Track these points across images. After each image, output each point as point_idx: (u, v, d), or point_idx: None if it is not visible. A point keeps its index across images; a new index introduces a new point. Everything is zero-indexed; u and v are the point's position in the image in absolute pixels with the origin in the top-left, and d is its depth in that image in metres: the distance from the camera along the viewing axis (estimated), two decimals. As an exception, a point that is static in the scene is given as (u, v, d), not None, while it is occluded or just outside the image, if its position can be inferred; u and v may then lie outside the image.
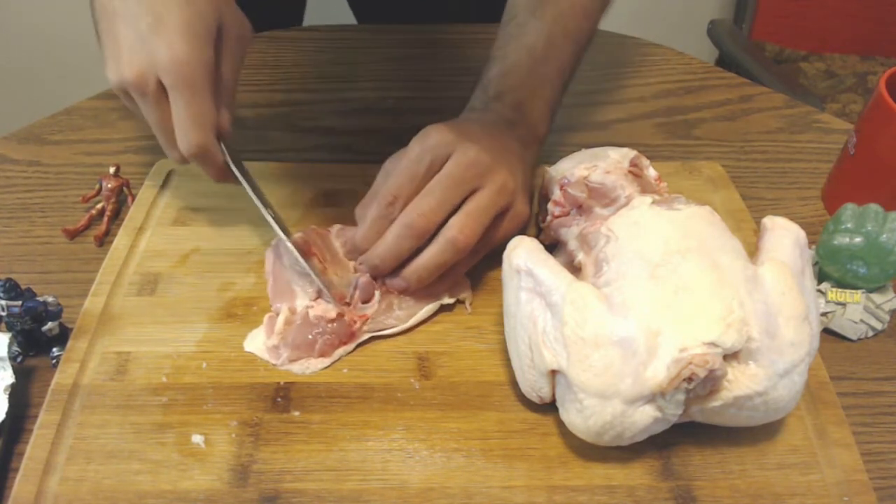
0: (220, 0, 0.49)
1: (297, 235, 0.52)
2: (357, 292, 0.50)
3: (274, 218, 0.51)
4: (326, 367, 0.48)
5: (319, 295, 0.50)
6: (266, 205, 0.52)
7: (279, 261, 0.52)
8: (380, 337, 0.50)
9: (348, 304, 0.50)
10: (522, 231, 0.52)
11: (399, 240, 0.48)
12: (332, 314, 0.48)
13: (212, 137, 0.49)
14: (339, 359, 0.48)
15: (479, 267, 0.55)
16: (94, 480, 0.41)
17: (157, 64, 0.46)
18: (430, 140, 0.48)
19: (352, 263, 0.52)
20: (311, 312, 0.48)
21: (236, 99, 0.53)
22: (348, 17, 0.98)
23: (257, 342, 0.49)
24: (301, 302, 0.49)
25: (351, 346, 0.49)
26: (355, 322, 0.49)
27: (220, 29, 0.49)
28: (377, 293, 0.50)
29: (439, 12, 0.92)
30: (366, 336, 0.49)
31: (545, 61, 0.57)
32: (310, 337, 0.48)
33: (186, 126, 0.48)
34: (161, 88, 0.47)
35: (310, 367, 0.48)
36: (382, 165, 0.52)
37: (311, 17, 1.02)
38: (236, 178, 0.52)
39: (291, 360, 0.48)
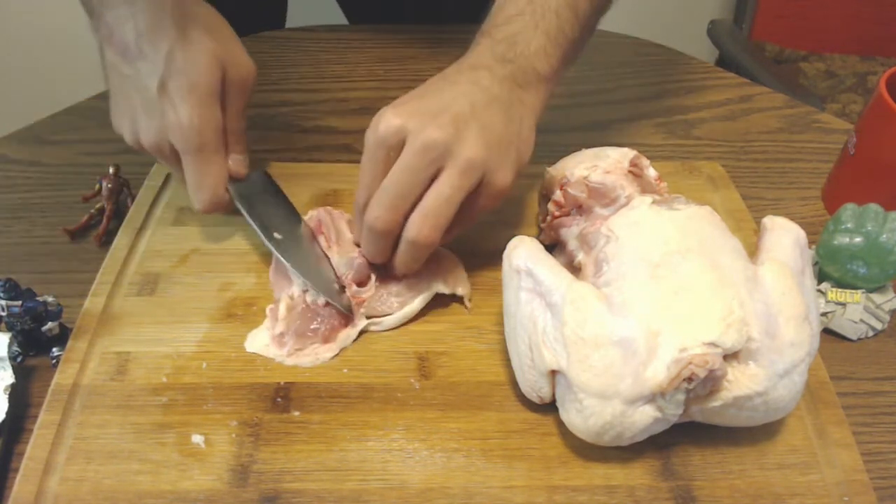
0: (221, 50, 0.51)
1: (310, 214, 0.54)
2: (351, 273, 0.50)
3: (281, 240, 0.52)
4: (335, 356, 0.48)
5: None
6: (273, 226, 0.53)
7: None
8: (380, 336, 0.50)
9: (343, 289, 0.50)
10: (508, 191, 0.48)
11: (369, 244, 0.48)
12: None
13: (220, 194, 0.52)
14: (343, 348, 0.49)
15: (479, 267, 0.55)
16: (94, 480, 0.41)
17: (168, 130, 0.49)
18: (380, 130, 0.45)
19: (355, 247, 0.52)
20: (308, 297, 0.49)
21: (246, 142, 0.55)
22: (331, 18, 0.97)
23: (259, 341, 0.49)
24: (297, 289, 0.50)
25: (354, 332, 0.49)
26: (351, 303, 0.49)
27: (223, 80, 0.51)
28: (372, 276, 0.51)
29: (433, 13, 0.92)
30: (364, 322, 0.49)
31: None
32: (313, 324, 0.49)
33: (194, 189, 0.52)
34: (175, 151, 0.50)
35: (319, 356, 0.48)
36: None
37: (294, 18, 1.01)
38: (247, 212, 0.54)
39: (297, 349, 0.48)
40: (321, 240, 0.53)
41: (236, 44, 0.53)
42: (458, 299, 0.52)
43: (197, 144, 0.50)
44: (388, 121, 0.45)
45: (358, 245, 0.52)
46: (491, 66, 0.48)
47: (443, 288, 0.51)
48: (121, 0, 0.49)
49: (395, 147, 0.45)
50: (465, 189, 0.45)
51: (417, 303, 0.50)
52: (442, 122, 0.44)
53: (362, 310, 0.50)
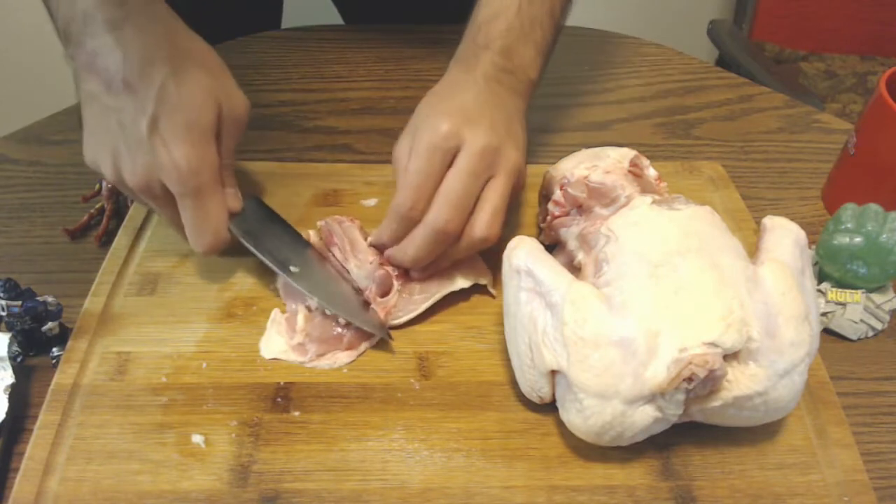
0: (217, 87, 0.49)
1: (320, 225, 0.54)
2: (374, 286, 0.50)
3: (298, 273, 0.50)
4: (352, 361, 0.48)
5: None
6: (284, 258, 0.51)
7: None
8: (380, 337, 0.50)
9: (367, 304, 0.50)
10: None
11: (431, 245, 0.48)
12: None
13: (223, 235, 0.50)
14: (364, 351, 0.49)
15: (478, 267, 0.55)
16: (94, 480, 0.41)
17: (160, 170, 0.46)
18: (440, 133, 0.47)
19: (372, 251, 0.52)
20: (328, 310, 0.49)
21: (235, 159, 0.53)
22: (327, 19, 0.97)
23: (277, 345, 0.49)
24: (314, 302, 0.50)
25: (375, 339, 0.49)
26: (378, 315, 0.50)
27: (218, 118, 0.49)
28: (395, 284, 0.50)
29: (429, 13, 0.92)
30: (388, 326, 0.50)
31: (535, 1, 0.55)
32: (337, 331, 0.49)
33: (196, 232, 0.49)
34: (167, 192, 0.47)
35: (338, 360, 0.48)
36: (394, 154, 0.51)
37: (290, 19, 1.01)
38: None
39: (319, 356, 0.48)
40: (335, 251, 0.52)
41: (230, 80, 0.51)
42: (458, 299, 0.52)
43: (195, 187, 0.47)
44: (448, 124, 0.47)
45: (376, 249, 0.51)
46: (500, 79, 0.53)
47: (463, 282, 0.51)
48: (106, 28, 0.46)
49: (451, 151, 0.47)
50: (515, 190, 0.50)
51: (438, 296, 0.51)
52: (490, 127, 0.48)
53: (390, 319, 0.50)
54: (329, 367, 0.48)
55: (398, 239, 0.49)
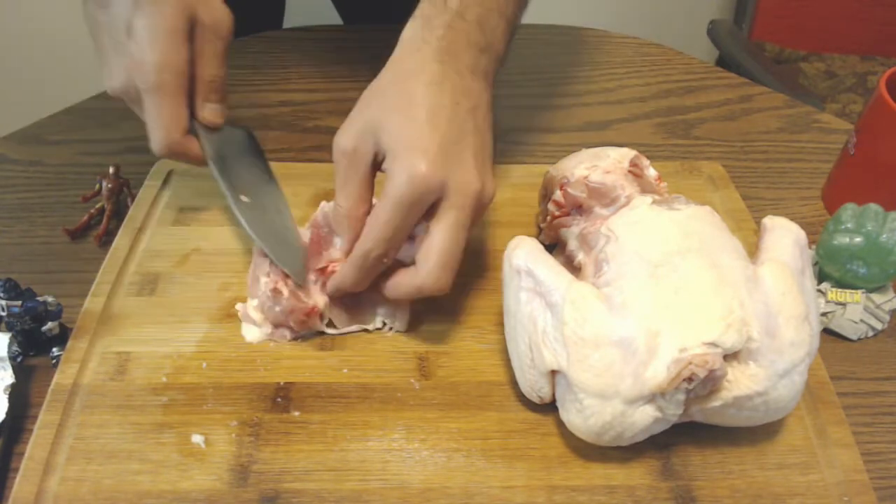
0: None
1: (321, 207, 0.51)
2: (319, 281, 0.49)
3: (247, 204, 0.50)
4: (333, 351, 0.49)
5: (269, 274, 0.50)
6: (243, 188, 0.51)
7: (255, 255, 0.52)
8: (380, 336, 0.50)
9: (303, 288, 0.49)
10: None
11: (407, 296, 0.46)
12: (272, 287, 0.48)
13: (174, 138, 0.50)
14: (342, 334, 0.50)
15: (479, 267, 0.55)
16: (94, 480, 0.41)
17: (131, 69, 0.48)
18: (419, 187, 0.43)
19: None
20: (264, 289, 0.49)
21: (226, 92, 0.53)
22: (328, 19, 0.97)
23: (255, 332, 0.50)
24: (262, 289, 0.50)
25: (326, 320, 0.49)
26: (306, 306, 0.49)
27: (192, 26, 0.50)
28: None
29: None
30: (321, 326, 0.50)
31: None
32: (281, 315, 0.49)
33: (151, 129, 0.50)
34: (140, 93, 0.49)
35: (315, 327, 0.49)
36: (340, 144, 0.47)
37: (291, 19, 1.01)
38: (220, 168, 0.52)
39: (295, 335, 0.49)
40: (336, 241, 0.50)
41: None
42: (458, 299, 0.52)
43: (155, 83, 0.48)
44: (425, 176, 0.42)
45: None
46: (475, 66, 0.48)
47: (378, 324, 0.51)
48: None
49: (428, 204, 0.44)
50: (472, 224, 0.46)
51: (347, 330, 0.50)
52: (472, 167, 0.44)
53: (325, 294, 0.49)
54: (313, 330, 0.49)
55: (356, 281, 0.47)
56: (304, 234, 0.51)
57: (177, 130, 0.50)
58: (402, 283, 0.46)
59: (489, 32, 0.50)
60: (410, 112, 0.45)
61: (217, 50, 0.52)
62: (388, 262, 0.46)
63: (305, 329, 0.49)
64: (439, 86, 0.46)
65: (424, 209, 0.44)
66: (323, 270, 0.50)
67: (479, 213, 0.46)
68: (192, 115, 0.52)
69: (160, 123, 0.50)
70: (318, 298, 0.49)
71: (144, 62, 0.48)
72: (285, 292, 0.48)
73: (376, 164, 0.46)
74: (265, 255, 0.50)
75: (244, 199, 0.51)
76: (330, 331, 0.50)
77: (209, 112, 0.53)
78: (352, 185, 0.46)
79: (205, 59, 0.51)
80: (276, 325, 0.49)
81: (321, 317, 0.49)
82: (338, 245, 0.50)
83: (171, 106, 0.50)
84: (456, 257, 0.44)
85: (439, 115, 0.45)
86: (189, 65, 0.50)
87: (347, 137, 0.46)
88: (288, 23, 1.01)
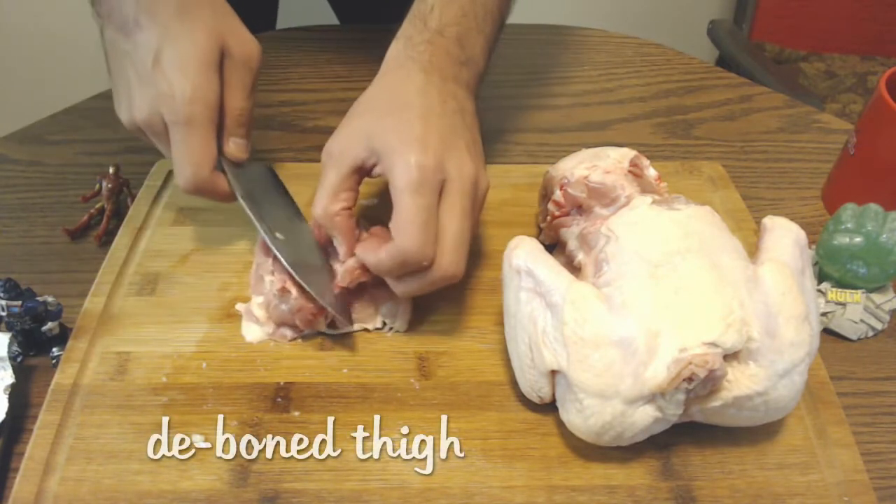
0: (222, 26, 0.49)
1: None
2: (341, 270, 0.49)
3: (282, 241, 0.50)
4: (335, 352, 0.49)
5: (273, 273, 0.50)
6: (276, 225, 0.51)
7: (258, 255, 0.52)
8: (380, 336, 0.50)
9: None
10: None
11: (429, 289, 0.46)
12: (279, 286, 0.48)
13: (206, 173, 0.49)
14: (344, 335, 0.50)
15: (479, 267, 0.55)
16: (94, 480, 0.41)
17: (159, 101, 0.47)
18: (421, 174, 0.43)
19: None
20: (270, 288, 0.49)
21: (252, 127, 0.53)
22: (323, 19, 0.97)
23: (256, 332, 0.50)
24: (268, 287, 0.50)
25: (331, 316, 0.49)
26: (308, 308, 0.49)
27: (223, 57, 0.49)
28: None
29: None
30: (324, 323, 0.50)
31: None
32: (288, 314, 0.49)
33: (179, 164, 0.48)
34: (167, 127, 0.48)
35: (316, 327, 0.49)
36: (332, 149, 0.48)
37: (284, 20, 1.01)
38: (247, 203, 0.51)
39: (296, 335, 0.49)
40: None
41: (237, 21, 0.51)
42: (458, 299, 0.52)
43: (185, 116, 0.47)
44: (426, 163, 0.43)
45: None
46: (457, 76, 0.50)
47: (378, 322, 0.51)
48: None
49: (438, 188, 0.44)
50: (478, 206, 0.48)
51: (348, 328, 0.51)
52: (467, 156, 0.46)
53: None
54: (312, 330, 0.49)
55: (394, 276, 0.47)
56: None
57: (207, 166, 0.49)
58: (415, 277, 0.46)
59: (469, 48, 0.52)
60: (402, 115, 0.46)
61: (245, 82, 0.50)
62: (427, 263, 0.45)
63: (310, 328, 0.49)
64: (426, 91, 0.47)
65: (437, 192, 0.44)
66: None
67: (479, 203, 0.47)
68: (219, 150, 0.51)
69: (190, 159, 0.48)
70: None
71: (175, 94, 0.46)
72: (293, 291, 0.48)
73: (364, 170, 0.47)
74: (268, 254, 0.50)
75: (279, 236, 0.50)
76: (330, 331, 0.50)
77: (234, 147, 0.51)
78: (329, 180, 0.47)
79: (232, 91, 0.50)
80: (280, 324, 0.49)
81: (325, 316, 0.49)
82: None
83: (202, 140, 0.48)
84: (466, 242, 0.45)
85: (430, 114, 0.46)
86: (219, 97, 0.49)
87: (336, 142, 0.48)
88: (281, 23, 1.00)
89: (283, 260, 0.49)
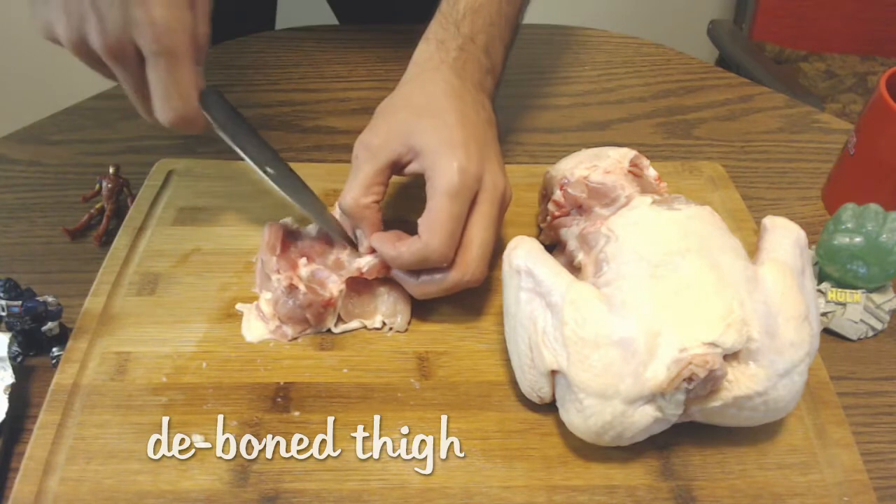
0: None
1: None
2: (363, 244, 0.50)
3: (274, 175, 0.49)
4: (335, 349, 0.49)
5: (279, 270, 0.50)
6: (265, 160, 0.50)
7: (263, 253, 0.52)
8: (380, 336, 0.50)
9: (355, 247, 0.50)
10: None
11: (448, 292, 0.48)
12: (286, 283, 0.49)
13: (192, 105, 0.47)
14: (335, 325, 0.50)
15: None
16: (94, 480, 0.41)
17: (135, 28, 0.44)
18: (465, 179, 0.45)
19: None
20: (277, 285, 0.49)
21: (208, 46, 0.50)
22: (321, 19, 0.97)
23: (258, 331, 0.50)
24: (276, 284, 0.50)
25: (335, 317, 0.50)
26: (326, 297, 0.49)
27: None
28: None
29: (424, 12, 0.92)
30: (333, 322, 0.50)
31: (512, 1, 0.55)
32: (299, 309, 0.49)
33: (165, 97, 0.46)
34: (138, 54, 0.45)
35: (323, 326, 0.50)
36: (365, 143, 0.48)
37: (283, 20, 1.01)
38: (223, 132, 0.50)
39: (295, 337, 0.50)
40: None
41: None
42: (459, 299, 0.52)
43: (170, 46, 0.44)
44: (470, 169, 0.45)
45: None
46: (484, 84, 0.52)
47: (381, 320, 0.51)
48: None
49: (473, 196, 0.46)
50: (502, 215, 0.50)
51: (353, 324, 0.51)
52: (498, 167, 0.48)
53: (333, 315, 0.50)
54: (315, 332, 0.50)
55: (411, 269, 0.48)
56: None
57: (195, 98, 0.47)
58: (436, 278, 0.47)
59: (493, 56, 0.54)
60: (441, 117, 0.47)
61: (206, 7, 0.48)
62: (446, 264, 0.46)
63: (320, 323, 0.49)
64: (461, 97, 0.49)
65: (471, 199, 0.46)
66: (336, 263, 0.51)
67: (504, 212, 0.49)
68: None
69: (179, 91, 0.46)
70: (334, 289, 0.49)
71: (158, 23, 0.43)
72: (301, 287, 0.48)
73: (399, 165, 0.48)
74: (273, 252, 0.51)
75: (269, 170, 0.49)
76: (332, 329, 0.50)
77: (198, 75, 0.49)
78: (364, 173, 0.48)
79: (199, 17, 0.47)
80: (287, 320, 0.49)
81: (334, 308, 0.50)
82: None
83: (189, 71, 0.46)
84: (491, 249, 0.47)
85: (467, 122, 0.48)
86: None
87: (373, 135, 0.48)
88: (281, 23, 1.00)
89: (285, 195, 0.49)
